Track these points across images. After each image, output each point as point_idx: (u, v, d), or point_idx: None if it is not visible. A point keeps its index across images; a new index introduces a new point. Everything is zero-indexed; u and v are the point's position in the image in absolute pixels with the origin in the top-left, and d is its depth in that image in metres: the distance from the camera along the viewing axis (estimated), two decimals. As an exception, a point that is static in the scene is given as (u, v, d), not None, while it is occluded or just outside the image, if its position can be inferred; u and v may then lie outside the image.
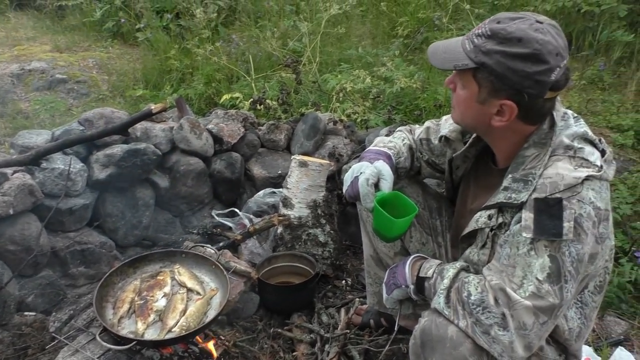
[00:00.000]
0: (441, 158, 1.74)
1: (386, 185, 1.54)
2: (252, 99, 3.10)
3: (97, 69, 4.23)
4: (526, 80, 1.22)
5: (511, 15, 1.26)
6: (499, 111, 1.31)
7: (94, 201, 2.41)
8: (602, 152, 1.33)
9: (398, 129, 1.85)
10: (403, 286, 1.53)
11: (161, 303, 1.87)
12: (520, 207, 1.30)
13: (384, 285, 1.61)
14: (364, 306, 2.23)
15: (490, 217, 1.41)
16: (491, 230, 1.40)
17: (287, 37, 4.17)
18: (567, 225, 1.21)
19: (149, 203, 2.54)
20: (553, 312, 1.25)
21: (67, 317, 2.04)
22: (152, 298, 1.88)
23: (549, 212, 1.23)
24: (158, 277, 1.99)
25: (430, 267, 1.48)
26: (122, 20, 4.60)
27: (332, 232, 2.50)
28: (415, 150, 1.78)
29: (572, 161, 1.27)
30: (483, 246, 1.44)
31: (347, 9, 3.83)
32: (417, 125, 1.86)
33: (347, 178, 1.59)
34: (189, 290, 1.96)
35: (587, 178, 1.23)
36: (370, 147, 1.73)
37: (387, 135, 2.08)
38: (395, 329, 1.66)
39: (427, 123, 1.79)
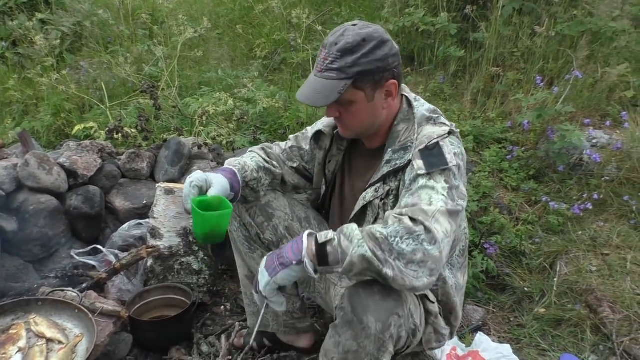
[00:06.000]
0: (311, 163, 1.86)
1: (213, 192, 1.57)
2: (108, 128, 2.92)
3: None
4: (390, 58, 1.47)
5: (337, 34, 1.46)
6: (386, 94, 1.52)
7: None
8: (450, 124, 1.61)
9: (249, 149, 1.90)
10: (294, 262, 1.40)
11: (16, 360, 1.68)
12: (407, 165, 1.50)
13: (263, 269, 1.46)
14: (245, 330, 2.20)
15: (377, 190, 1.57)
16: (380, 200, 1.56)
17: (142, 62, 4.02)
18: (449, 156, 1.45)
19: (-7, 250, 2.27)
20: (458, 217, 1.42)
21: None
22: (4, 356, 1.67)
23: (432, 153, 1.46)
24: (10, 331, 1.78)
25: (327, 232, 1.40)
26: (-54, 49, 4.10)
27: (206, 258, 2.43)
28: (271, 161, 1.84)
29: (435, 124, 1.56)
30: (376, 219, 1.57)
31: (202, 32, 3.81)
32: (278, 142, 1.95)
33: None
34: (49, 340, 1.78)
35: (450, 132, 1.52)
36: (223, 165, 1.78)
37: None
38: (257, 327, 1.63)
39: (294, 135, 1.92)
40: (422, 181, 1.42)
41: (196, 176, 1.59)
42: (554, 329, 2.28)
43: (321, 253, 1.37)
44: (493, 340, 2.15)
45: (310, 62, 3.74)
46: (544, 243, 2.68)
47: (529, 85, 3.58)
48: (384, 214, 1.50)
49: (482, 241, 2.64)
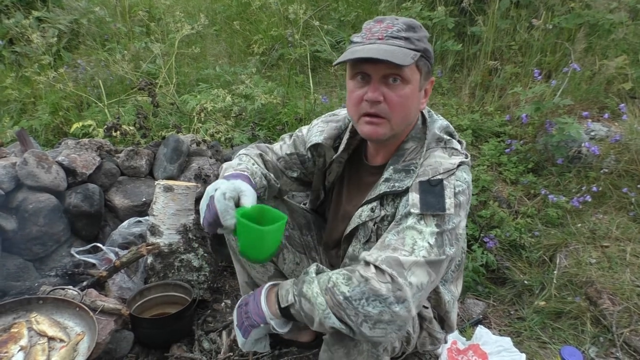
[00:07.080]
0: (310, 169, 1.76)
1: (248, 201, 1.33)
2: (106, 126, 2.92)
3: None
4: (432, 55, 1.40)
5: (387, 16, 1.39)
6: (425, 92, 1.45)
7: None
8: (460, 142, 1.53)
9: (239, 153, 1.72)
10: (261, 325, 1.41)
11: (18, 358, 1.67)
12: (404, 192, 1.40)
13: (236, 328, 1.46)
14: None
15: (373, 210, 1.49)
16: (374, 223, 1.48)
17: (139, 59, 4.01)
18: (449, 200, 1.34)
19: (-7, 249, 2.27)
20: (441, 266, 1.32)
21: None
22: (6, 354, 1.67)
23: (433, 191, 1.35)
24: (12, 330, 1.78)
25: (287, 293, 1.38)
26: (-57, 48, 4.09)
27: (206, 255, 2.43)
28: (269, 174, 1.67)
29: (446, 151, 1.45)
30: (367, 241, 1.50)
31: (199, 28, 3.81)
32: (269, 145, 1.81)
33: (203, 205, 1.38)
34: (51, 338, 1.78)
35: (460, 163, 1.40)
36: (223, 173, 1.58)
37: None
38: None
39: (289, 138, 1.77)
40: (411, 220, 1.33)
41: (225, 186, 1.33)
42: (554, 321, 2.29)
43: (286, 314, 1.38)
44: (494, 334, 2.16)
45: (308, 58, 3.73)
46: (543, 236, 2.69)
47: (526, 78, 3.58)
48: (376, 238, 1.46)
49: (481, 235, 2.65)
